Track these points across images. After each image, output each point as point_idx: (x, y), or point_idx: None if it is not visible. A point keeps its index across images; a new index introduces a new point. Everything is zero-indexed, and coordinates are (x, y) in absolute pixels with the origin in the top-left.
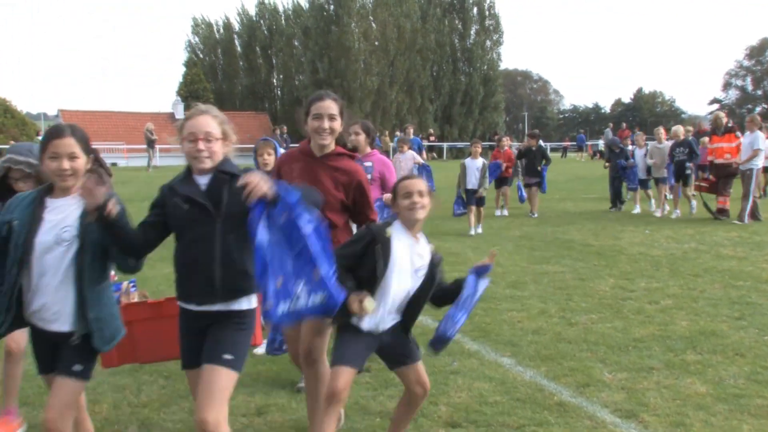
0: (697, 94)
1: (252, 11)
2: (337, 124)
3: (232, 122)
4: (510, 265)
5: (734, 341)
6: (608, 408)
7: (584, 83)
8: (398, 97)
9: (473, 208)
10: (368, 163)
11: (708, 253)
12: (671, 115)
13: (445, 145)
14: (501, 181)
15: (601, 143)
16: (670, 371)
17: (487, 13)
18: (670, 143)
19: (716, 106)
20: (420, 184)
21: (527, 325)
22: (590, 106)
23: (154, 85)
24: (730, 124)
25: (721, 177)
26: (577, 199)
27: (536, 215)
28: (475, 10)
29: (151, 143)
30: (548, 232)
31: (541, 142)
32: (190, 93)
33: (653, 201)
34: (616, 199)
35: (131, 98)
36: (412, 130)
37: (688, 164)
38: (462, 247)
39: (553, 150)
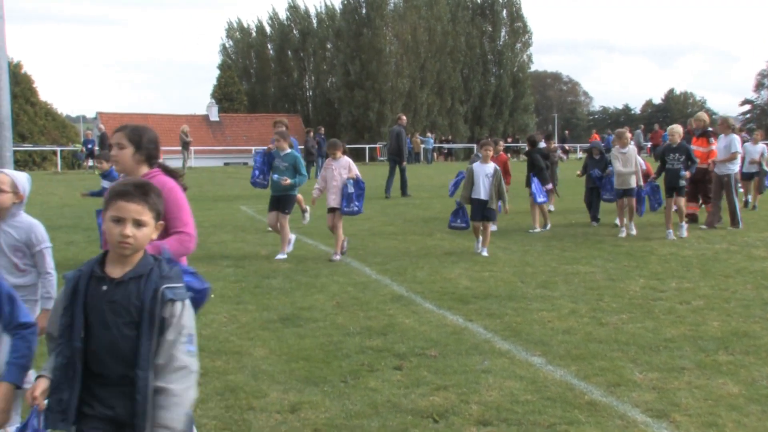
0: (728, 95)
1: (282, 15)
2: None
3: (265, 124)
4: (540, 265)
5: (767, 342)
6: (639, 408)
7: (614, 84)
8: (429, 98)
9: (478, 223)
10: None
11: (740, 253)
12: None
13: (476, 146)
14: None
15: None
16: (702, 372)
17: (515, 15)
18: (632, 148)
19: (748, 107)
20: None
21: (558, 325)
22: (620, 107)
23: (189, 88)
24: (710, 129)
25: (694, 181)
26: None
27: (537, 230)
28: (504, 12)
29: (185, 145)
30: (578, 233)
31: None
32: (224, 95)
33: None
34: (593, 214)
35: (167, 101)
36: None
37: (683, 173)
38: (492, 248)
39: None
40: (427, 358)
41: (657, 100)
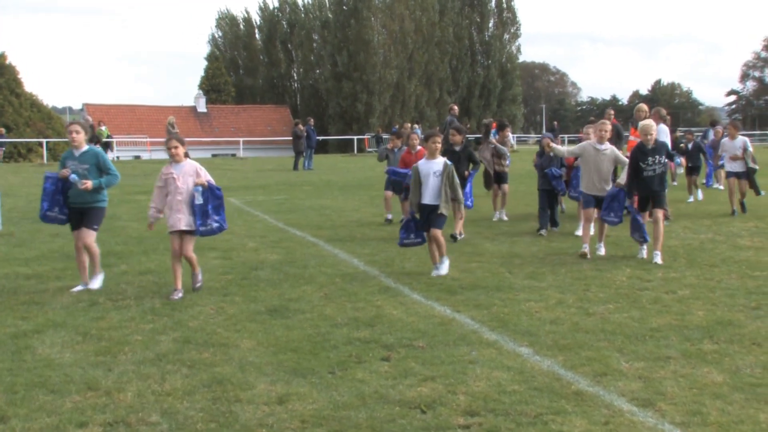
0: (714, 86)
1: (271, 5)
2: None
3: (253, 115)
4: (528, 256)
5: (751, 331)
6: (625, 397)
7: (602, 75)
8: (417, 89)
9: (431, 232)
10: None
11: (725, 243)
12: (689, 106)
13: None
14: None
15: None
16: (687, 360)
17: (504, 6)
18: (610, 147)
19: (734, 97)
20: None
21: (545, 315)
22: (608, 98)
23: (177, 79)
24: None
25: None
26: None
27: (462, 236)
28: (493, 2)
29: None
30: (565, 224)
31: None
32: (211, 87)
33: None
34: (547, 220)
35: (154, 91)
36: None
37: (678, 161)
38: (479, 239)
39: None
40: (415, 349)
41: (644, 90)
